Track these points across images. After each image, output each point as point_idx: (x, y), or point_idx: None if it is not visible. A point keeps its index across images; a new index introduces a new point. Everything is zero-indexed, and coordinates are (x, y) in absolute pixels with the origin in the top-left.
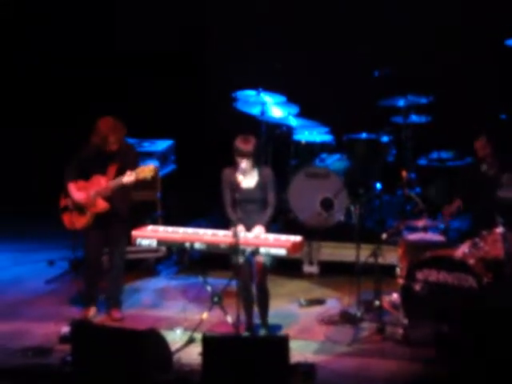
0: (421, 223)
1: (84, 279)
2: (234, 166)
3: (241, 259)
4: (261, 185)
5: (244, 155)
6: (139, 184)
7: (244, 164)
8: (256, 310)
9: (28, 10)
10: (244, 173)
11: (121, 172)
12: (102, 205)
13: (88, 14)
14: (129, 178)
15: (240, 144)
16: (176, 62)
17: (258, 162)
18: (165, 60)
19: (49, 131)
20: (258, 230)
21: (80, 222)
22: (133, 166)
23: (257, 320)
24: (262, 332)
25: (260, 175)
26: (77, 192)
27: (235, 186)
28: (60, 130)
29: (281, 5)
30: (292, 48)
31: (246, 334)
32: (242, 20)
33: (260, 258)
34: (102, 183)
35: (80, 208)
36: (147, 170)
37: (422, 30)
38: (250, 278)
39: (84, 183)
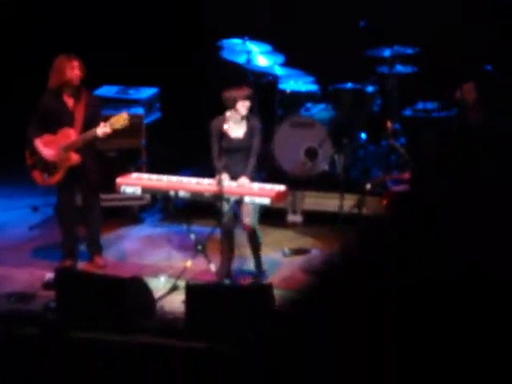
0: (406, 176)
1: (60, 230)
2: (223, 116)
3: (225, 207)
4: (248, 134)
5: (245, 98)
6: (124, 131)
7: (244, 109)
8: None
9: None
10: (235, 119)
11: (87, 122)
12: (74, 157)
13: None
14: (103, 129)
15: (238, 89)
16: (160, 12)
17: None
18: (150, 9)
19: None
20: (243, 180)
21: (54, 177)
22: (98, 115)
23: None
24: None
25: (248, 125)
26: (45, 149)
27: (223, 135)
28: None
29: None
30: None
31: (226, 281)
32: None
33: (247, 221)
34: (71, 136)
35: (51, 164)
36: (121, 119)
37: None
38: (233, 226)
39: (51, 137)
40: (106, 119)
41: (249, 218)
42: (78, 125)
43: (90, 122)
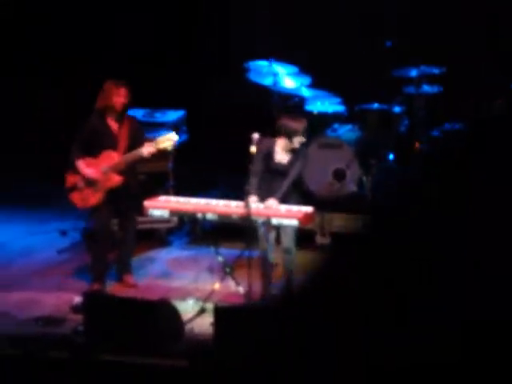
0: None
1: (92, 254)
2: (272, 139)
3: (259, 231)
4: (293, 161)
5: (302, 132)
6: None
7: (299, 142)
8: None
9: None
10: (286, 147)
11: (130, 146)
12: (115, 179)
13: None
14: (149, 148)
15: (299, 123)
16: (187, 34)
17: None
18: (176, 32)
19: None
20: (271, 202)
21: (93, 198)
22: (141, 139)
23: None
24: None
25: (295, 152)
26: (87, 168)
27: (268, 157)
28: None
29: None
30: (304, 18)
31: (259, 302)
32: None
33: (285, 243)
34: (114, 158)
35: (92, 184)
36: (167, 139)
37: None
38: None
39: (92, 160)
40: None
41: (287, 239)
42: (121, 148)
43: (133, 147)
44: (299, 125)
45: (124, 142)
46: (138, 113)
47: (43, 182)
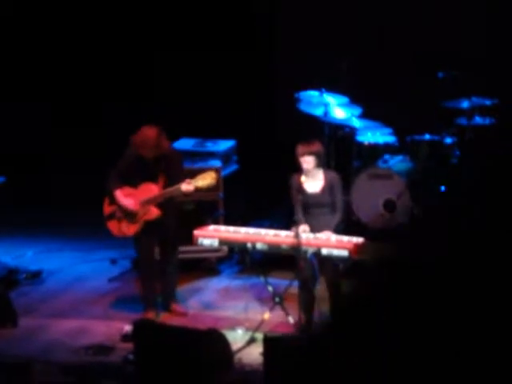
0: None
1: (141, 282)
2: (301, 171)
3: (302, 259)
4: (327, 189)
5: (305, 154)
6: None
7: (306, 164)
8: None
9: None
10: (307, 174)
11: (170, 178)
12: (155, 212)
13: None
14: (187, 187)
15: (302, 144)
16: (238, 64)
17: (322, 164)
18: (227, 62)
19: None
20: (327, 234)
21: (130, 229)
22: (180, 173)
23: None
24: None
25: (326, 179)
26: (125, 199)
27: (301, 191)
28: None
29: (344, 5)
30: (355, 48)
31: (303, 333)
32: (306, 20)
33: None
34: (153, 190)
35: (130, 215)
36: (208, 177)
37: (486, 31)
38: (312, 279)
39: (131, 190)
40: (192, 173)
41: (330, 271)
42: (160, 180)
43: (172, 178)
44: (301, 149)
45: (163, 175)
46: (189, 142)
47: (94, 210)
